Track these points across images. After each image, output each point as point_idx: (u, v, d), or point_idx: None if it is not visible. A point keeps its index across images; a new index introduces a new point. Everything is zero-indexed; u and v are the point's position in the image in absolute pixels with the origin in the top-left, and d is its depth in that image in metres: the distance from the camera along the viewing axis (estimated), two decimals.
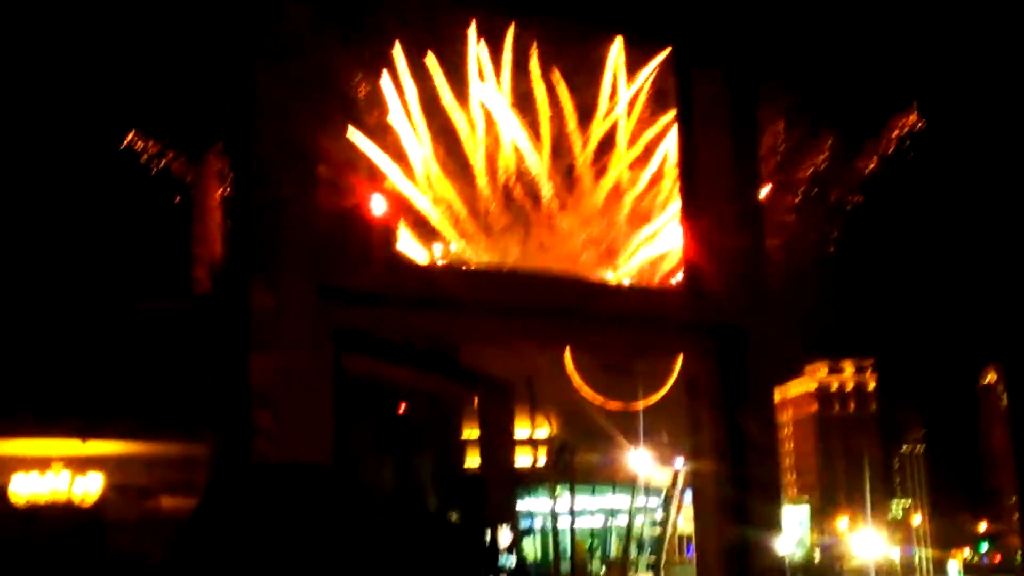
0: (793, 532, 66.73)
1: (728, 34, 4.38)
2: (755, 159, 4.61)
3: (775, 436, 4.24)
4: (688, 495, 40.60)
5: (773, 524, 4.37)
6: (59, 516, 14.56)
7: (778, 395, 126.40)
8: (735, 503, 4.33)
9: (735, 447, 4.36)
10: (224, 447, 3.42)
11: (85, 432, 13.70)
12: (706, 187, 4.56)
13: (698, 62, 4.55)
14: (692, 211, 4.59)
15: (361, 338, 3.49)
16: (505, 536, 28.73)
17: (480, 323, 3.99)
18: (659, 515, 49.59)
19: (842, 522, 78.22)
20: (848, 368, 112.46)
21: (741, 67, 4.54)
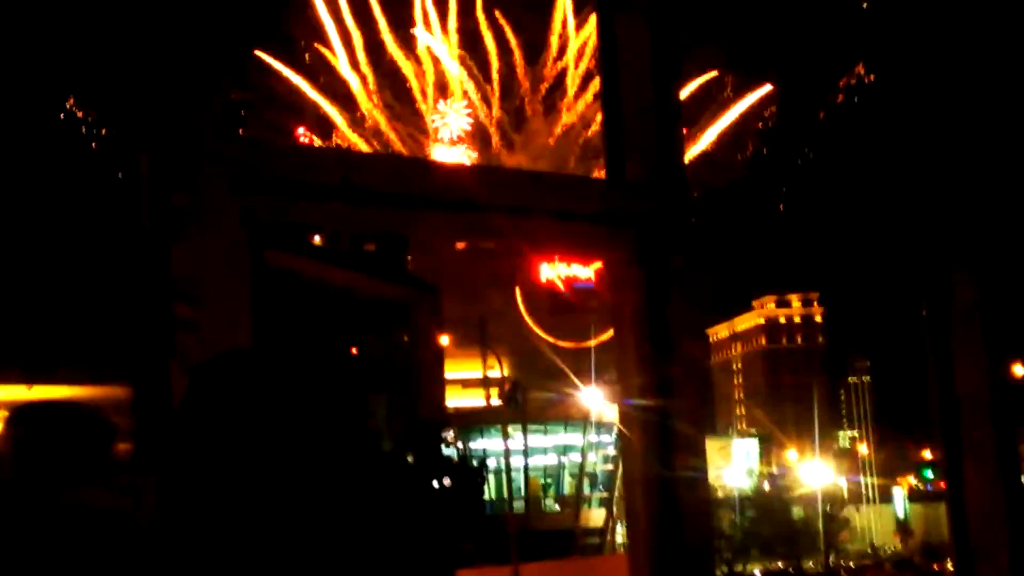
0: (742, 464, 67.92)
1: None
2: (677, 108, 4.59)
3: (704, 350, 4.21)
4: None
5: (698, 452, 4.34)
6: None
7: (727, 329, 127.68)
8: (659, 430, 4.29)
9: (660, 357, 4.33)
10: (148, 345, 3.42)
11: (30, 378, 13.59)
12: (630, 125, 4.53)
13: (621, 7, 4.50)
14: (615, 151, 4.56)
15: (281, 232, 3.49)
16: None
17: (393, 214, 3.90)
18: (611, 451, 50.20)
19: (791, 453, 79.71)
20: (795, 302, 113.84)
21: (665, 17, 4.50)
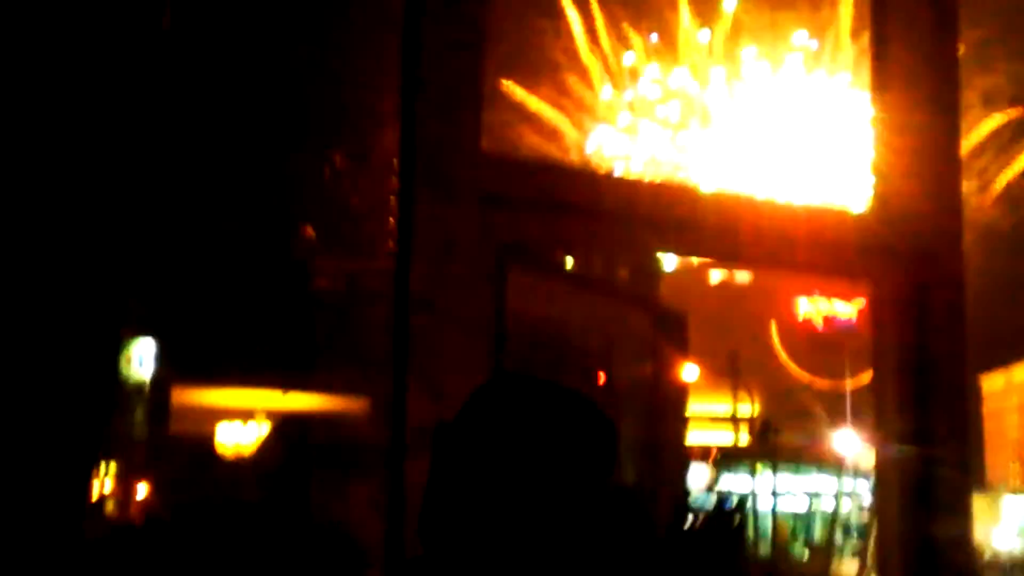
0: (1013, 523, 63.06)
1: None
2: (955, 65, 4.16)
3: (975, 397, 3.86)
4: None
5: (963, 510, 3.92)
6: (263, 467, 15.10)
7: (1002, 380, 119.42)
8: (920, 480, 3.88)
9: (922, 401, 3.93)
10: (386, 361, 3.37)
11: (286, 384, 14.12)
12: (902, 97, 4.12)
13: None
14: (885, 123, 4.16)
15: (525, 249, 3.34)
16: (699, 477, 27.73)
17: (645, 236, 3.72)
18: (867, 500, 47.74)
19: None
20: None
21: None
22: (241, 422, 15.33)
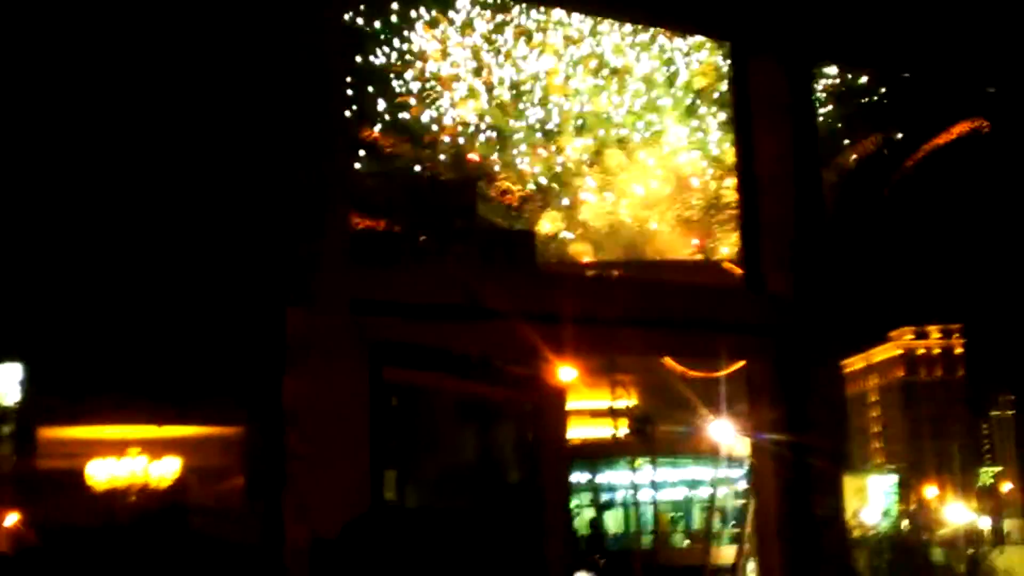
0: (879, 502, 65.53)
1: (782, 16, 4.06)
2: (815, 144, 4.27)
3: (839, 419, 4.07)
4: None
5: (834, 492, 4.09)
6: (139, 500, 14.60)
7: (863, 361, 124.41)
8: (793, 465, 4.01)
9: (796, 428, 4.06)
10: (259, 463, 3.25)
11: (161, 418, 13.64)
12: (766, 179, 4.21)
13: (754, 50, 4.22)
14: (750, 205, 4.23)
15: (399, 350, 3.21)
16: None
17: (518, 332, 3.68)
18: (742, 486, 48.89)
19: (930, 491, 76.76)
20: (934, 333, 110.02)
21: (796, 50, 4.21)
22: (115, 457, 14.83)
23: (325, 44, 3.53)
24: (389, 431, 3.80)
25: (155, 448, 14.75)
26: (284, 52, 3.50)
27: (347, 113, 3.93)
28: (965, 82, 5.59)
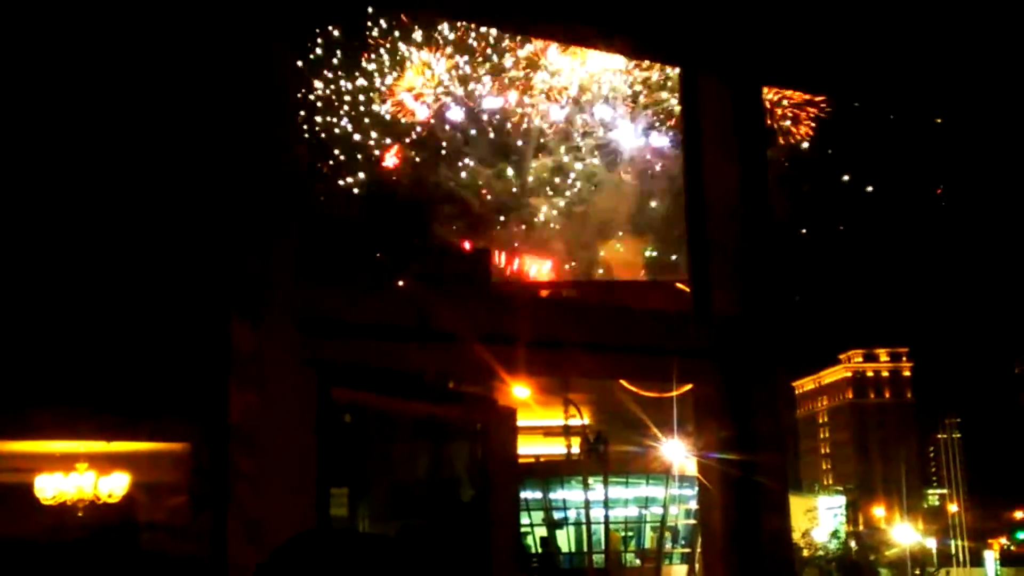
0: (828, 523, 66.07)
1: (730, 36, 4.12)
2: (764, 165, 4.32)
3: (782, 436, 4.08)
4: None
5: (781, 511, 4.12)
6: (87, 515, 14.37)
7: (812, 383, 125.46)
8: (740, 485, 4.06)
9: (742, 447, 4.11)
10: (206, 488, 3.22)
11: (109, 434, 13.45)
12: (714, 200, 4.26)
13: (702, 71, 4.27)
14: (698, 225, 4.28)
15: (347, 370, 3.19)
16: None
17: (470, 354, 3.68)
18: (693, 505, 49.09)
19: (878, 511, 77.48)
20: (883, 355, 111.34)
21: (743, 71, 4.27)
22: (63, 473, 14.57)
23: (275, 66, 3.53)
24: (340, 449, 3.78)
25: (104, 463, 14.54)
26: (233, 72, 3.51)
27: (299, 133, 3.93)
28: (915, 110, 5.68)
